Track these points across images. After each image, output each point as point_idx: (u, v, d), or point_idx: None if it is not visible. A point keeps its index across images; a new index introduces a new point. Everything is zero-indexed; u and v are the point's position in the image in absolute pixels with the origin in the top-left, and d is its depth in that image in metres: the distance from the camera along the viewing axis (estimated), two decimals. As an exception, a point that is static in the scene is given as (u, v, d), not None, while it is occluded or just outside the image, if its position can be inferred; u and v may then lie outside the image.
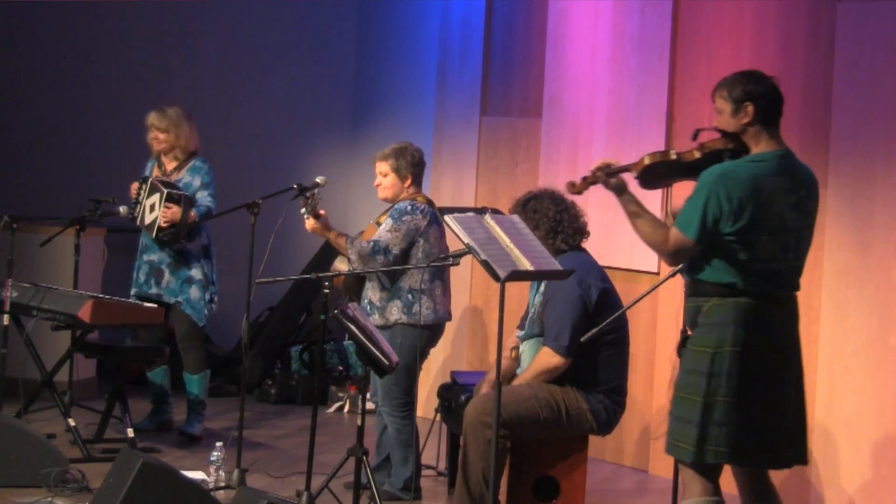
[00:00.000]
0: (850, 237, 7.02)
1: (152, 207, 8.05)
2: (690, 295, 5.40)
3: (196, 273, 8.20)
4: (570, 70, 8.70)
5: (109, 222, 8.74)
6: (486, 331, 9.15)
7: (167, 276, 8.19)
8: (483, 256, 5.58)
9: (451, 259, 6.33)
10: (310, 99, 10.91)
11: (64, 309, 7.49)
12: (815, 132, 7.13)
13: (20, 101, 10.71)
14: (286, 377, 9.88)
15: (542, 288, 6.54)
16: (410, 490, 6.94)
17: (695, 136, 5.39)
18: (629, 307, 6.34)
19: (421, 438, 7.18)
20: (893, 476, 6.87)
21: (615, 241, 8.22)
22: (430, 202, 7.13)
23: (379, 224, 7.05)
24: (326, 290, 6.38)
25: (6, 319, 7.82)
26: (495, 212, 6.11)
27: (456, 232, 5.68)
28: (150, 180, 8.15)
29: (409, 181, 7.09)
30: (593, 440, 6.75)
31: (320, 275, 6.51)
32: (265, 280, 6.78)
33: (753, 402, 5.23)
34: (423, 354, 7.09)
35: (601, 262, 6.82)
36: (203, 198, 8.15)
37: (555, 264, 5.87)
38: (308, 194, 6.88)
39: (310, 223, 6.91)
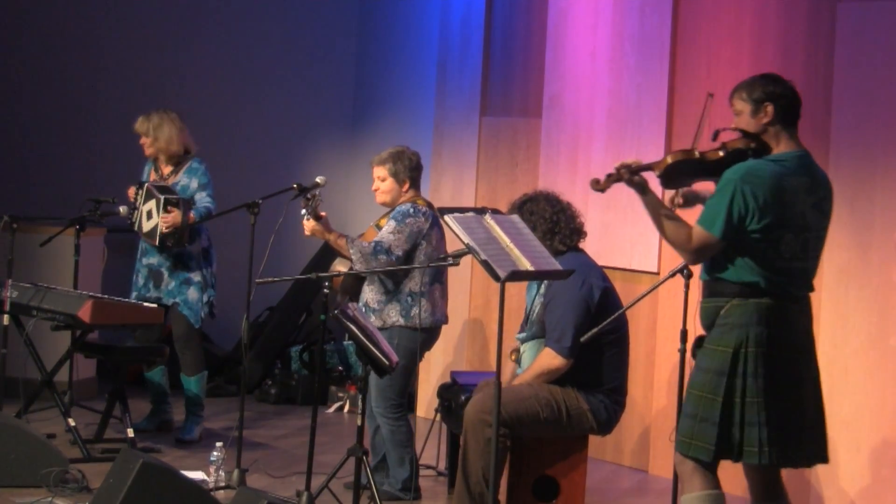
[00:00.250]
0: (850, 237, 7.02)
1: (149, 214, 8.03)
2: (709, 295, 5.38)
3: (195, 275, 8.19)
4: (570, 70, 8.70)
5: (109, 222, 8.74)
6: (486, 331, 9.15)
7: (166, 278, 8.19)
8: (483, 256, 5.58)
9: (450, 259, 6.32)
10: (310, 99, 10.92)
11: (64, 309, 7.49)
12: (815, 132, 7.12)
13: (20, 101, 10.70)
14: (286, 377, 9.88)
15: (542, 289, 6.54)
16: (410, 490, 6.94)
17: (715, 137, 5.38)
18: (629, 307, 6.34)
19: (421, 438, 7.18)
20: (893, 476, 6.87)
21: (615, 241, 8.22)
22: (429, 205, 7.12)
23: (379, 227, 7.04)
24: (326, 290, 6.39)
25: (6, 319, 7.83)
26: (495, 212, 6.11)
27: (456, 232, 5.67)
28: (145, 185, 8.13)
29: (406, 185, 7.08)
30: (593, 440, 6.75)
31: (320, 275, 6.51)
32: (265, 280, 6.77)
33: (776, 402, 5.25)
34: (419, 357, 7.08)
35: (601, 262, 6.82)
36: (202, 199, 8.14)
37: (555, 264, 5.86)
38: (309, 195, 6.87)
39: (309, 225, 6.88)
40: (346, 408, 9.62)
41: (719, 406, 5.24)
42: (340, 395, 9.69)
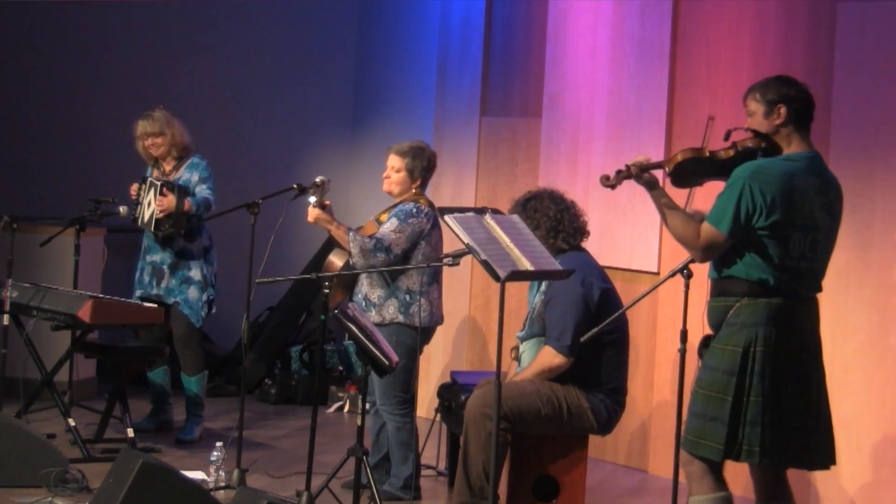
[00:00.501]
0: (850, 237, 7.02)
1: (149, 204, 8.06)
2: (718, 294, 5.38)
3: (195, 274, 8.19)
4: (570, 70, 8.70)
5: (109, 222, 8.74)
6: (486, 331, 9.15)
7: (167, 276, 8.20)
8: (483, 256, 5.58)
9: (450, 259, 6.32)
10: (310, 99, 10.92)
11: (64, 309, 7.49)
12: (816, 132, 7.06)
13: (20, 101, 10.71)
14: (286, 377, 9.88)
15: (542, 287, 6.54)
16: (410, 489, 6.94)
17: (727, 136, 5.39)
18: (629, 307, 6.34)
19: (421, 438, 7.18)
20: (893, 476, 6.87)
21: (615, 241, 8.22)
22: (431, 205, 7.12)
23: (379, 221, 7.03)
24: (326, 290, 6.39)
25: (6, 319, 7.82)
26: (495, 212, 6.11)
27: (456, 232, 5.67)
28: (148, 180, 8.16)
29: (417, 183, 7.08)
30: (593, 440, 6.75)
31: (320, 275, 6.51)
32: (265, 280, 6.77)
33: (780, 403, 5.25)
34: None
35: (601, 262, 6.82)
36: (202, 190, 8.14)
37: (555, 264, 5.87)
38: (319, 180, 6.89)
39: (313, 213, 6.89)
40: (346, 408, 9.62)
41: (729, 405, 5.23)
42: (340, 395, 9.69)
